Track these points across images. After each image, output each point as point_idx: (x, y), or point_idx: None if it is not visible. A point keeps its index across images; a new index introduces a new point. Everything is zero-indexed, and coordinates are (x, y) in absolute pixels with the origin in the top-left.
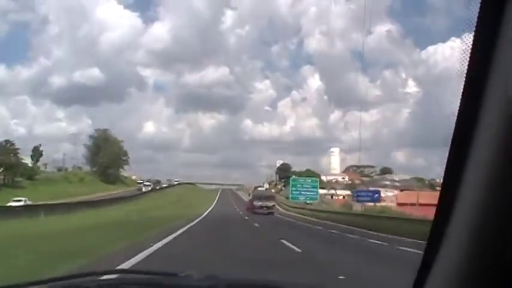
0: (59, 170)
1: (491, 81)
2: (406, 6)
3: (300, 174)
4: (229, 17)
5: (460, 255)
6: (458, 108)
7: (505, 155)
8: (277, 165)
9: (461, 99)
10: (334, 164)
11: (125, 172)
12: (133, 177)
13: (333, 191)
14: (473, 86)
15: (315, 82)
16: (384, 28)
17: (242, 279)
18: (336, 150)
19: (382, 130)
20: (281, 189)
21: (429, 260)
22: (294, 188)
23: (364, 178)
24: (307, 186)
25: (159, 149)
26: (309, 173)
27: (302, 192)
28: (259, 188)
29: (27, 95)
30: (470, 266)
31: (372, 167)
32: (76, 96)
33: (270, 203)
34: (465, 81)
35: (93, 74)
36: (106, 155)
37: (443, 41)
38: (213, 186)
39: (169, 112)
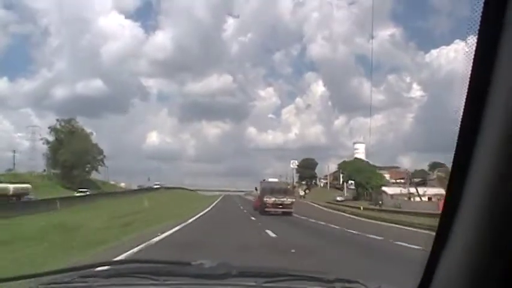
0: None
1: (495, 83)
2: (408, 10)
3: (344, 166)
4: (231, 25)
5: (466, 250)
6: (462, 111)
7: (509, 158)
8: (292, 165)
9: (465, 102)
10: None
11: (99, 174)
12: (122, 184)
13: (412, 190)
14: (477, 89)
15: (318, 88)
16: (387, 32)
17: (254, 267)
18: (361, 147)
19: (388, 135)
20: (305, 193)
21: (437, 254)
22: None
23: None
24: None
25: (164, 159)
26: (359, 163)
27: None
28: (271, 179)
29: (31, 107)
30: (477, 261)
31: (397, 168)
32: (79, 108)
33: (287, 199)
34: (469, 84)
35: (96, 85)
36: (69, 151)
37: (447, 43)
38: (216, 193)
39: (173, 122)
